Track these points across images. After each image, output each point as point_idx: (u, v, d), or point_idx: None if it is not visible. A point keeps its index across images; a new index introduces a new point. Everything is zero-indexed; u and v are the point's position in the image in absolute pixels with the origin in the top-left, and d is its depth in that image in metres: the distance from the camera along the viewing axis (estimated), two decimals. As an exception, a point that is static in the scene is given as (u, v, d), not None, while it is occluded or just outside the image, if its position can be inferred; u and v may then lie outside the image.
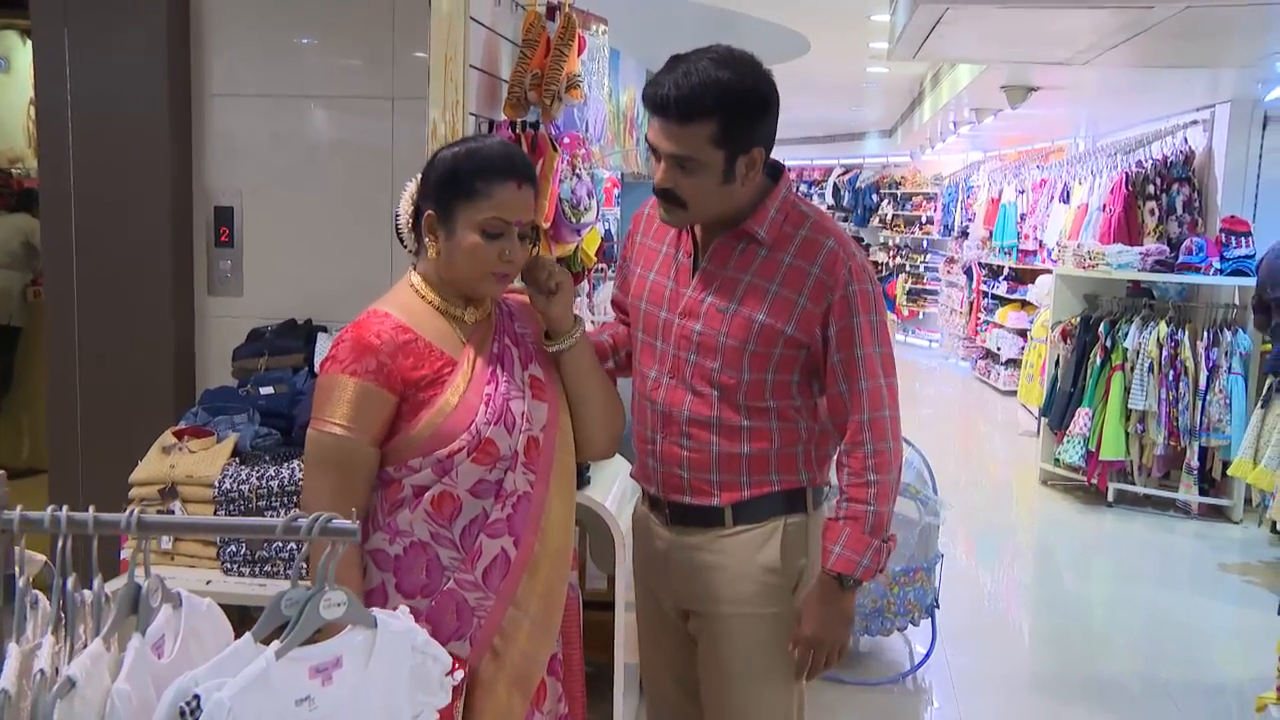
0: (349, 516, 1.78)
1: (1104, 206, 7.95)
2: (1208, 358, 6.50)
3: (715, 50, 2.00)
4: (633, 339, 2.27)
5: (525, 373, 2.03)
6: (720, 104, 1.96)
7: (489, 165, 1.92)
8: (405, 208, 2.04)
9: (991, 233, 11.40)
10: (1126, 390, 6.69)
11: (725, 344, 2.09)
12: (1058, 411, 7.18)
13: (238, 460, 2.80)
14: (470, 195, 1.91)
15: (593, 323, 4.51)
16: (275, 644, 1.38)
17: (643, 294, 2.22)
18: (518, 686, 1.99)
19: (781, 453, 2.15)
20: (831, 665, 2.15)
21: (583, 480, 3.13)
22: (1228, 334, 6.51)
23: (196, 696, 1.31)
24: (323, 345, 3.22)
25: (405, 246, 2.07)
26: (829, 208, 15.79)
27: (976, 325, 12.02)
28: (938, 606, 4.41)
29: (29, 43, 3.44)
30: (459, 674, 1.71)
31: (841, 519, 2.09)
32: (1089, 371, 6.97)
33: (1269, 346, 6.18)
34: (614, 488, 3.23)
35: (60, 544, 1.43)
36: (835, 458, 2.17)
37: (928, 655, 4.43)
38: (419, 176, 2.03)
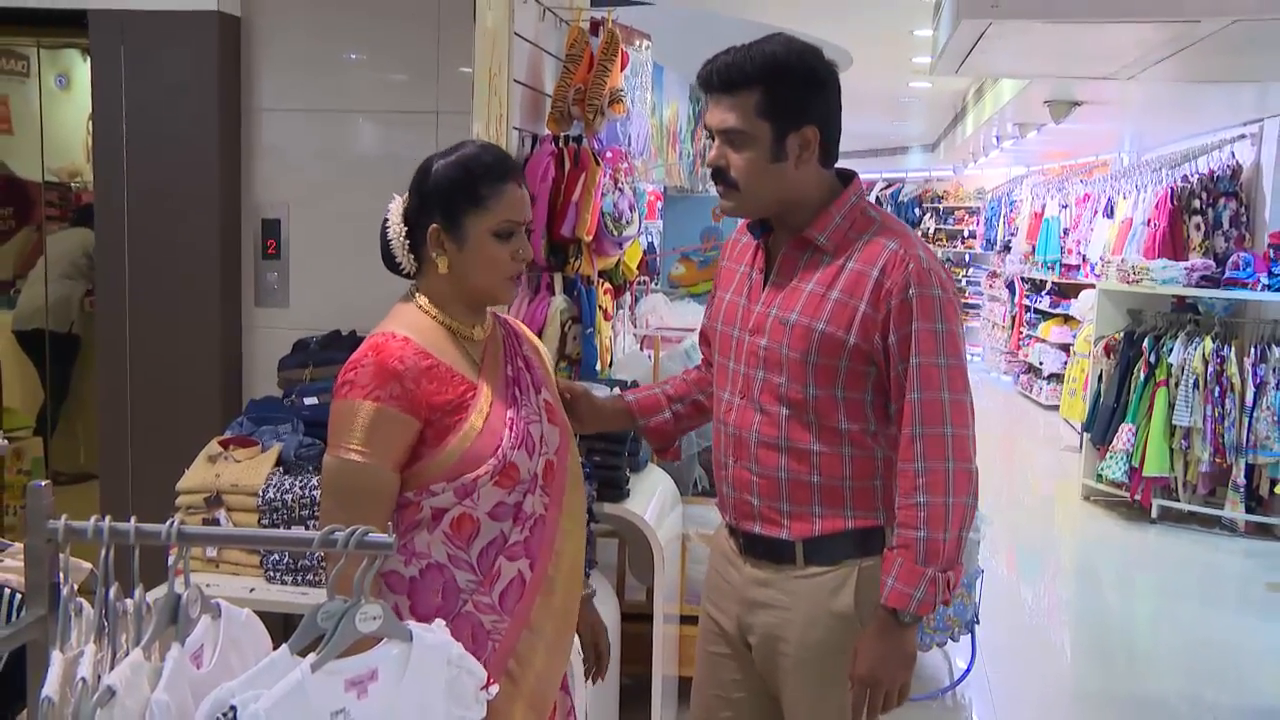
0: None
1: (1149, 221, 7.91)
2: (1255, 374, 6.43)
3: (770, 35, 2.01)
4: (714, 365, 2.21)
5: (539, 397, 2.02)
6: (762, 72, 1.95)
7: (490, 171, 1.91)
8: (398, 228, 1.95)
9: (1034, 247, 11.34)
10: (1171, 406, 6.63)
11: (788, 356, 2.00)
12: (1100, 427, 7.13)
13: (281, 470, 2.83)
14: (479, 202, 1.89)
15: (634, 335, 4.56)
16: (311, 656, 1.38)
17: (719, 315, 2.17)
18: (533, 710, 1.97)
19: (856, 486, 2.02)
20: (890, 707, 2.00)
21: (622, 494, 3.15)
22: (1276, 350, 6.44)
23: (233, 708, 1.32)
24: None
25: (401, 270, 1.99)
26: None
27: (1019, 340, 11.96)
28: (978, 622, 4.38)
29: (89, 60, 3.53)
30: (494, 689, 1.69)
31: (895, 548, 1.95)
32: (1132, 387, 6.92)
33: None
34: (653, 500, 3.25)
35: (103, 554, 1.45)
36: None
37: (968, 670, 4.42)
38: (406, 194, 1.97)
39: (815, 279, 2.01)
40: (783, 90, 1.96)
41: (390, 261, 1.99)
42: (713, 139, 2.05)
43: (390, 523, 1.90)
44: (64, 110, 4.66)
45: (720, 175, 2.03)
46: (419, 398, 1.85)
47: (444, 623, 1.57)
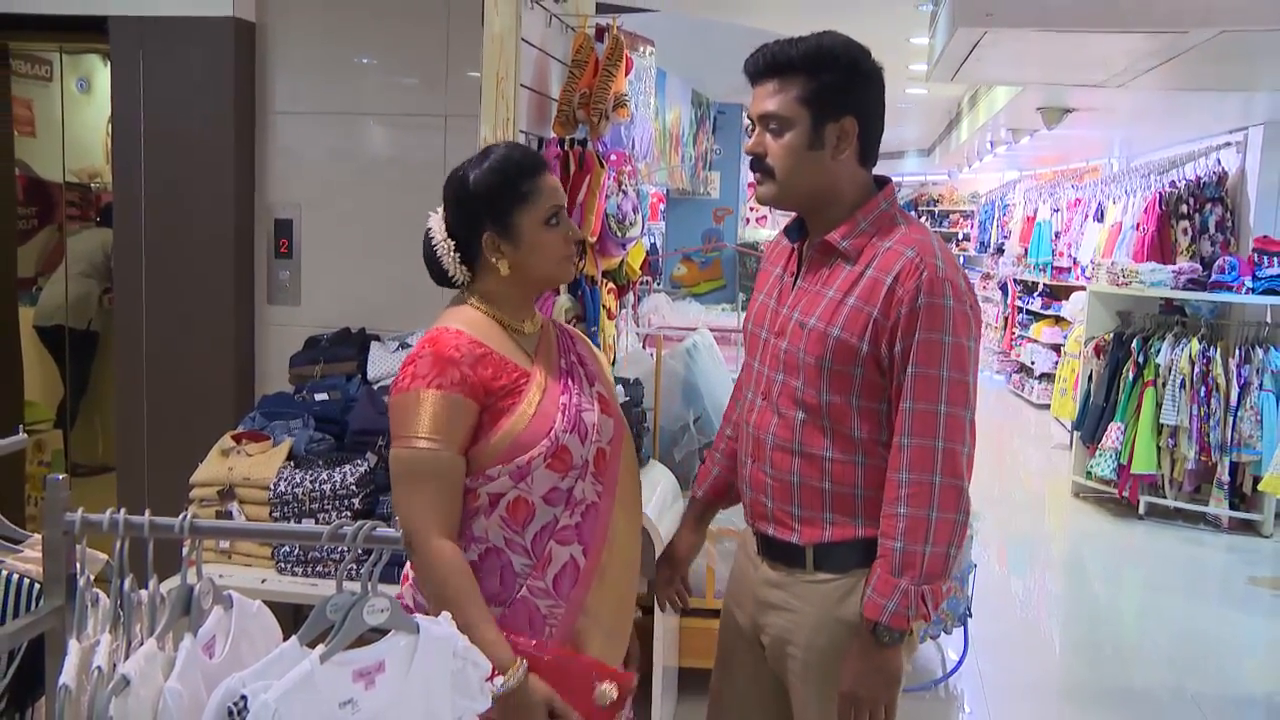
0: (451, 530, 1.85)
1: (1138, 225, 8.00)
2: (1239, 375, 6.52)
3: (823, 31, 2.02)
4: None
5: (593, 388, 2.07)
6: (806, 59, 1.95)
7: (524, 166, 1.97)
8: (445, 244, 1.99)
9: (1027, 250, 11.43)
10: (1158, 405, 6.73)
11: (805, 361, 1.98)
12: (1090, 425, 7.23)
13: (292, 464, 2.89)
14: (525, 198, 1.94)
15: (637, 334, 4.64)
16: (320, 647, 1.40)
17: (751, 316, 2.17)
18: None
19: (867, 495, 1.98)
20: None
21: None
22: (1259, 352, 6.54)
23: (244, 697, 1.33)
24: (376, 354, 3.32)
25: (455, 282, 2.02)
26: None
27: (1011, 340, 12.04)
28: (970, 615, 4.46)
29: (109, 64, 3.60)
30: (499, 680, 1.73)
31: (877, 557, 1.93)
32: (1121, 387, 7.02)
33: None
34: (655, 495, 3.29)
35: (118, 546, 1.49)
36: None
37: (960, 663, 4.50)
38: (442, 210, 2.01)
39: (836, 284, 1.99)
40: (825, 78, 1.95)
41: (440, 276, 2.02)
42: (752, 128, 2.05)
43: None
44: (85, 113, 4.74)
45: (758, 162, 2.02)
46: (476, 382, 1.88)
47: (449, 615, 1.60)
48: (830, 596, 2.03)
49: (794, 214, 2.14)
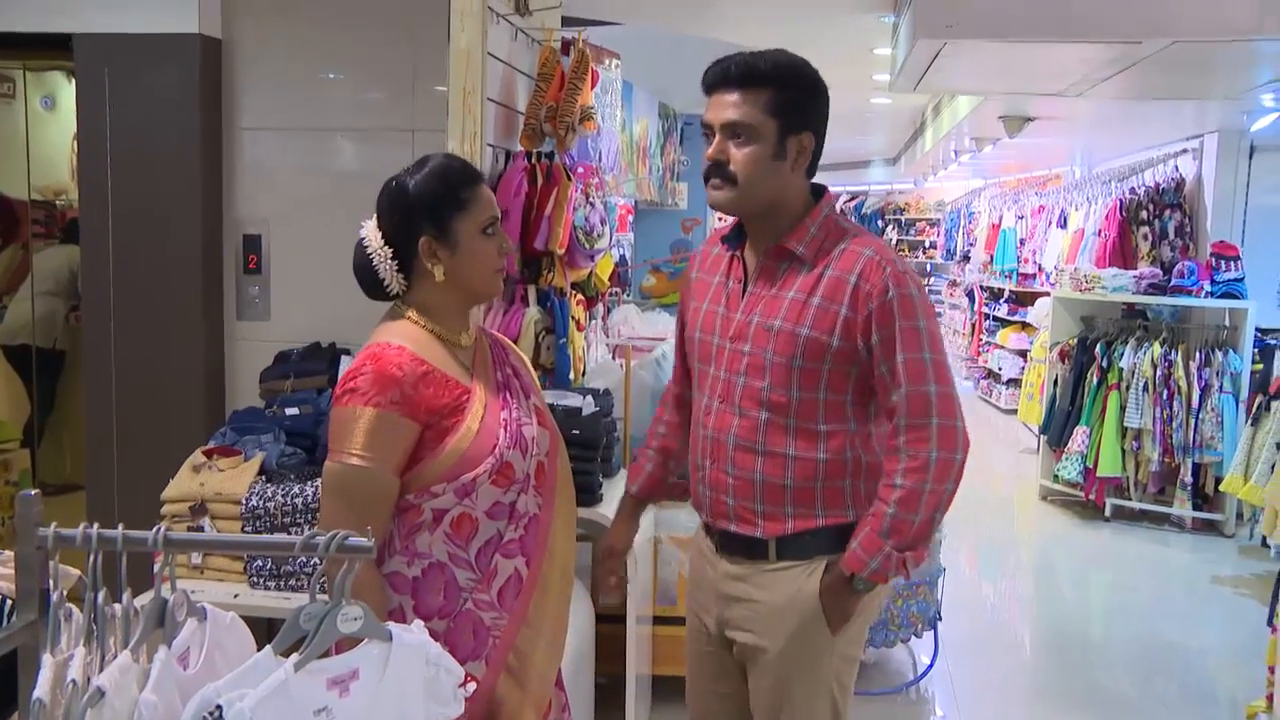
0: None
1: (1099, 232, 8.10)
2: (1200, 377, 6.63)
3: (774, 49, 2.11)
4: (691, 371, 2.28)
5: (529, 401, 2.10)
6: (775, 72, 2.04)
7: (462, 176, 2.00)
8: (381, 251, 1.98)
9: (992, 257, 11.54)
10: (1122, 409, 6.82)
11: (773, 361, 2.07)
12: (1056, 429, 7.31)
13: (264, 478, 2.89)
14: (464, 205, 1.97)
15: (607, 345, 4.66)
16: (294, 656, 1.41)
17: (698, 324, 2.22)
18: (535, 704, 2.05)
19: (827, 487, 2.10)
20: None
21: (595, 498, 3.21)
22: (1219, 354, 6.64)
23: (219, 707, 1.33)
24: (346, 368, 3.33)
25: (388, 291, 2.01)
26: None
27: (978, 346, 12.14)
28: (940, 619, 4.51)
29: (74, 82, 3.59)
30: (471, 686, 1.75)
31: (866, 517, 2.06)
32: (1086, 391, 7.11)
33: (1259, 366, 6.34)
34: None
35: (91, 560, 1.48)
36: None
37: (930, 666, 4.54)
38: (376, 219, 2.00)
39: (796, 286, 2.08)
40: (792, 92, 2.05)
41: (373, 286, 2.02)
42: (709, 136, 2.10)
43: (393, 526, 1.96)
44: (49, 130, 4.72)
45: (719, 169, 2.08)
46: (418, 402, 1.91)
47: (421, 624, 1.62)
48: (793, 580, 2.12)
49: (732, 221, 2.22)
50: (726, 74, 2.06)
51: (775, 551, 2.13)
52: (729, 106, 2.05)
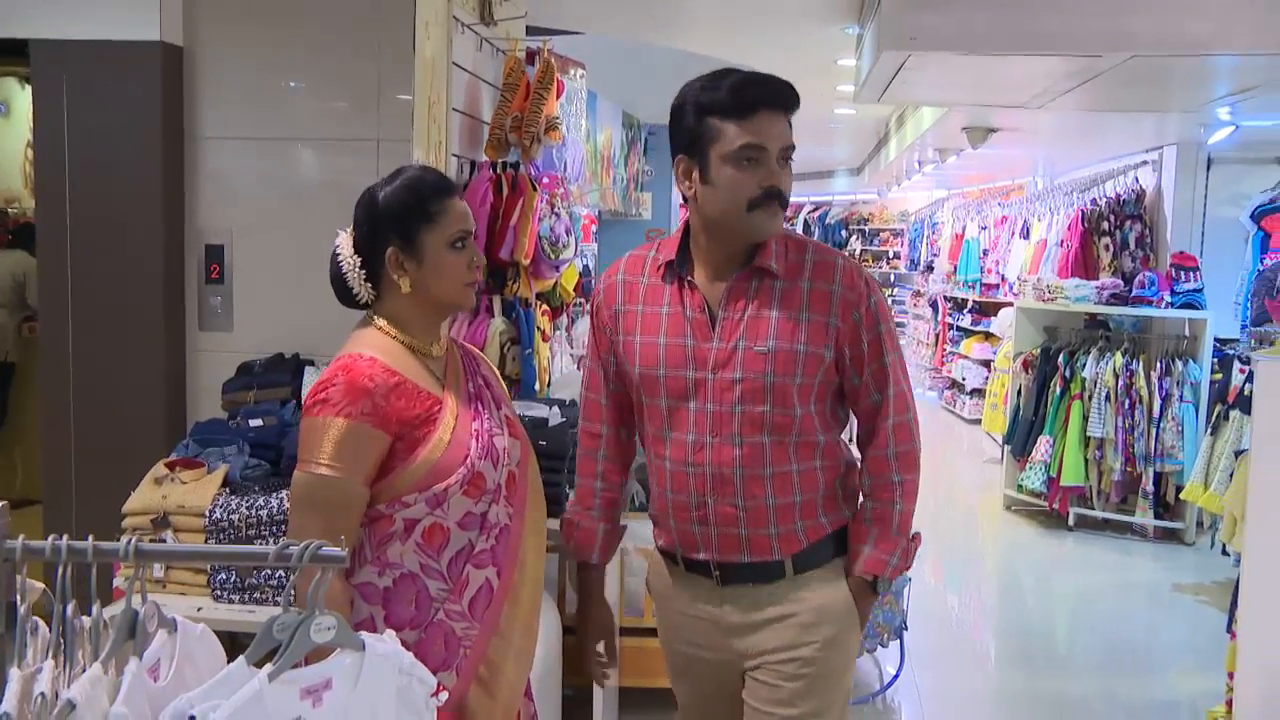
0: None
1: (1062, 242, 8.18)
2: (1160, 387, 6.70)
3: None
4: (646, 410, 2.15)
5: (500, 412, 2.10)
6: (796, 95, 2.04)
7: (435, 188, 2.00)
8: (351, 260, 1.99)
9: (956, 267, 11.63)
10: (1085, 418, 6.88)
11: (773, 383, 2.03)
12: (1020, 439, 7.37)
13: (228, 490, 2.86)
14: (432, 218, 1.96)
15: (572, 355, 4.66)
16: (268, 667, 1.40)
17: (657, 360, 2.09)
18: (506, 715, 2.05)
19: (826, 494, 2.12)
20: None
21: (562, 509, 3.21)
22: (1179, 364, 6.72)
23: (192, 718, 1.33)
24: (310, 379, 3.29)
25: (358, 300, 2.02)
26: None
27: (942, 356, 12.22)
28: (906, 628, 4.52)
29: (28, 88, 3.53)
30: (443, 695, 1.73)
31: (868, 521, 2.11)
32: (1049, 401, 7.17)
33: (1219, 376, 6.42)
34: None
35: (60, 572, 1.46)
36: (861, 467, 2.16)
37: (896, 675, 4.56)
38: (350, 228, 2.01)
39: (776, 304, 2.04)
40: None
41: (345, 295, 2.03)
42: (754, 160, 1.99)
43: (364, 536, 1.95)
44: (2, 137, 4.64)
45: (778, 195, 2.02)
46: (389, 413, 1.91)
47: (393, 633, 1.61)
48: (820, 588, 2.12)
49: (666, 249, 2.13)
50: (780, 95, 2.00)
51: (793, 568, 2.11)
52: (786, 128, 2.02)
